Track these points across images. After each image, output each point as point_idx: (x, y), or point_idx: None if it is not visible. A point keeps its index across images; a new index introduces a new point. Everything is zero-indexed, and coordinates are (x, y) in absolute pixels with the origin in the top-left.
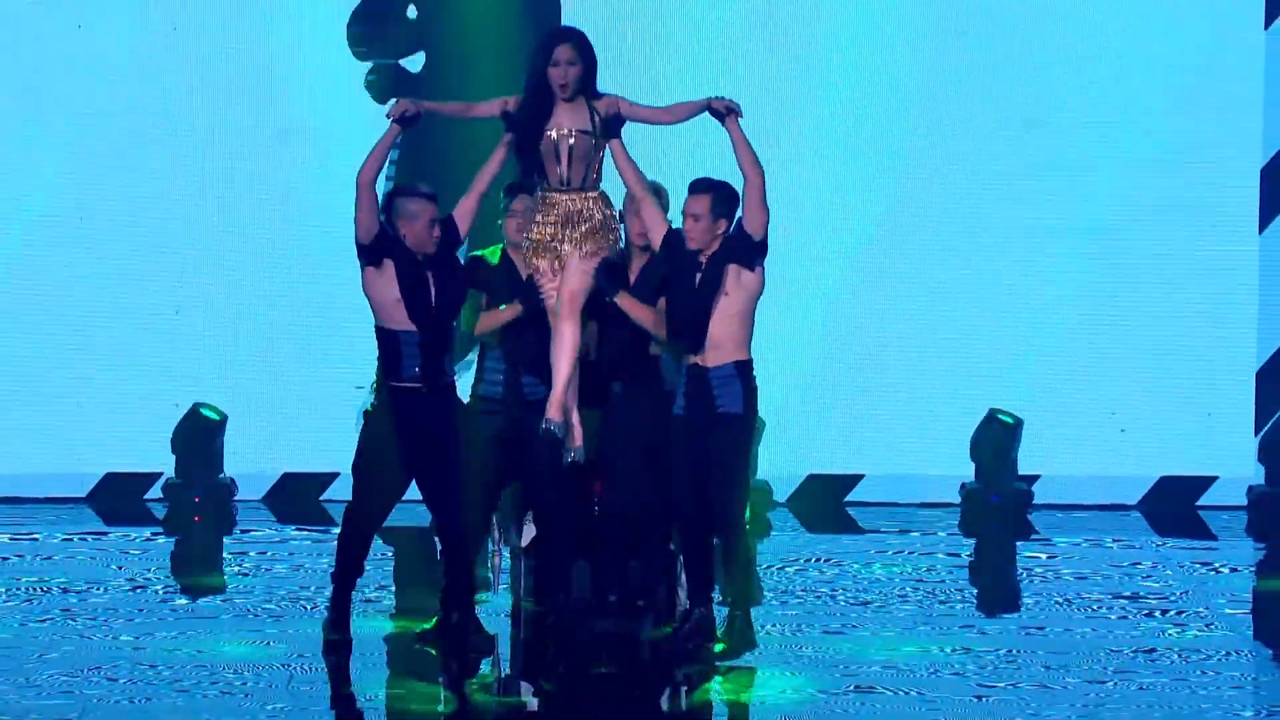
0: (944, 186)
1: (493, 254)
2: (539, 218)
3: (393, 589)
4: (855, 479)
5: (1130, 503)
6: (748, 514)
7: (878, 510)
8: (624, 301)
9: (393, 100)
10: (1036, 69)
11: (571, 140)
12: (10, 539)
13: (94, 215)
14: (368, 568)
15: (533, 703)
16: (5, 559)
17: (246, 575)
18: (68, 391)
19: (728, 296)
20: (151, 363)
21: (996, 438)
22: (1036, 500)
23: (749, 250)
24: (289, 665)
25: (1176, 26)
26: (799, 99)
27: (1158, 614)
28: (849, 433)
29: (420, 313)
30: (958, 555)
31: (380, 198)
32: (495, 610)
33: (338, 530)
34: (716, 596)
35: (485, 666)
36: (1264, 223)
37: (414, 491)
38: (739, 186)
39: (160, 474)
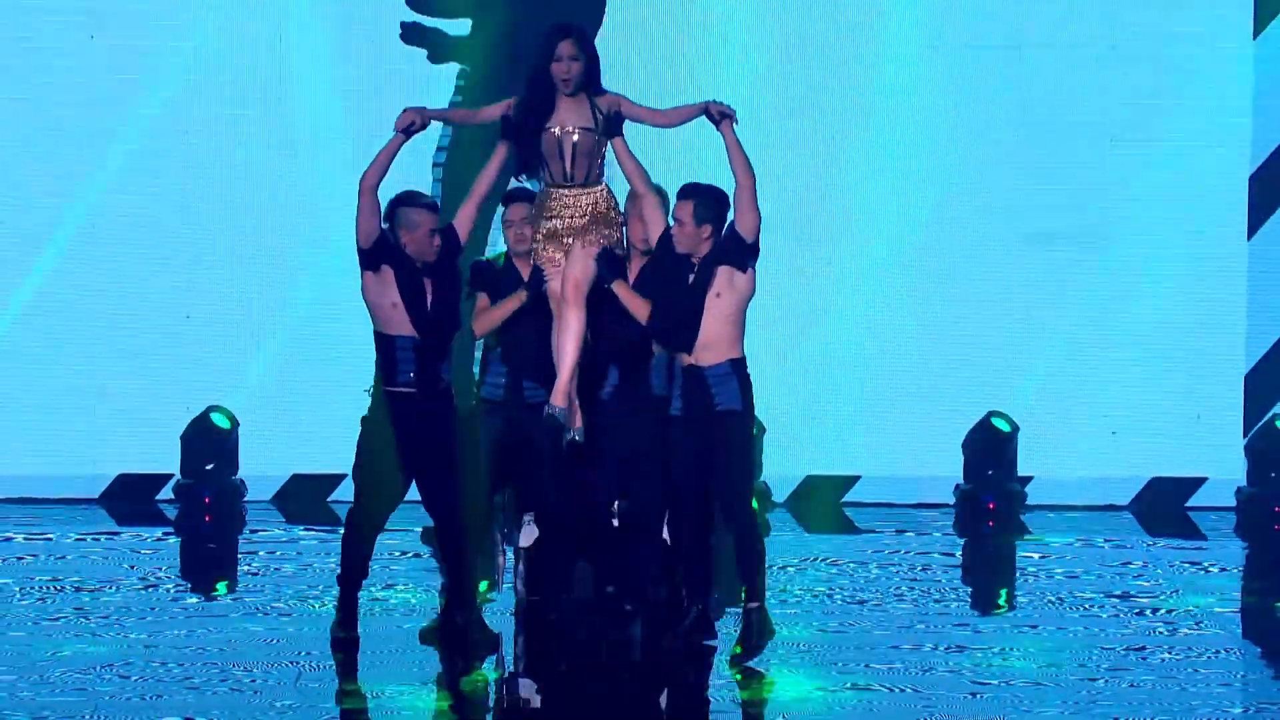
0: (940, 194)
1: (498, 259)
2: (544, 215)
3: (399, 587)
4: (852, 480)
5: (1121, 503)
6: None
7: (874, 511)
8: (621, 290)
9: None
10: (1030, 79)
11: (575, 137)
12: (25, 539)
13: (107, 224)
14: (374, 568)
15: (535, 700)
16: (20, 558)
17: (256, 575)
18: (81, 395)
19: (719, 298)
20: (163, 367)
21: (991, 442)
22: (1030, 501)
23: (741, 252)
24: (297, 663)
25: (1167, 37)
26: (798, 104)
27: (1148, 612)
28: (846, 436)
29: (418, 318)
30: (952, 555)
31: (383, 205)
32: (498, 609)
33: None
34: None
35: (489, 664)
36: (1252, 229)
37: (414, 493)
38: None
39: (171, 475)
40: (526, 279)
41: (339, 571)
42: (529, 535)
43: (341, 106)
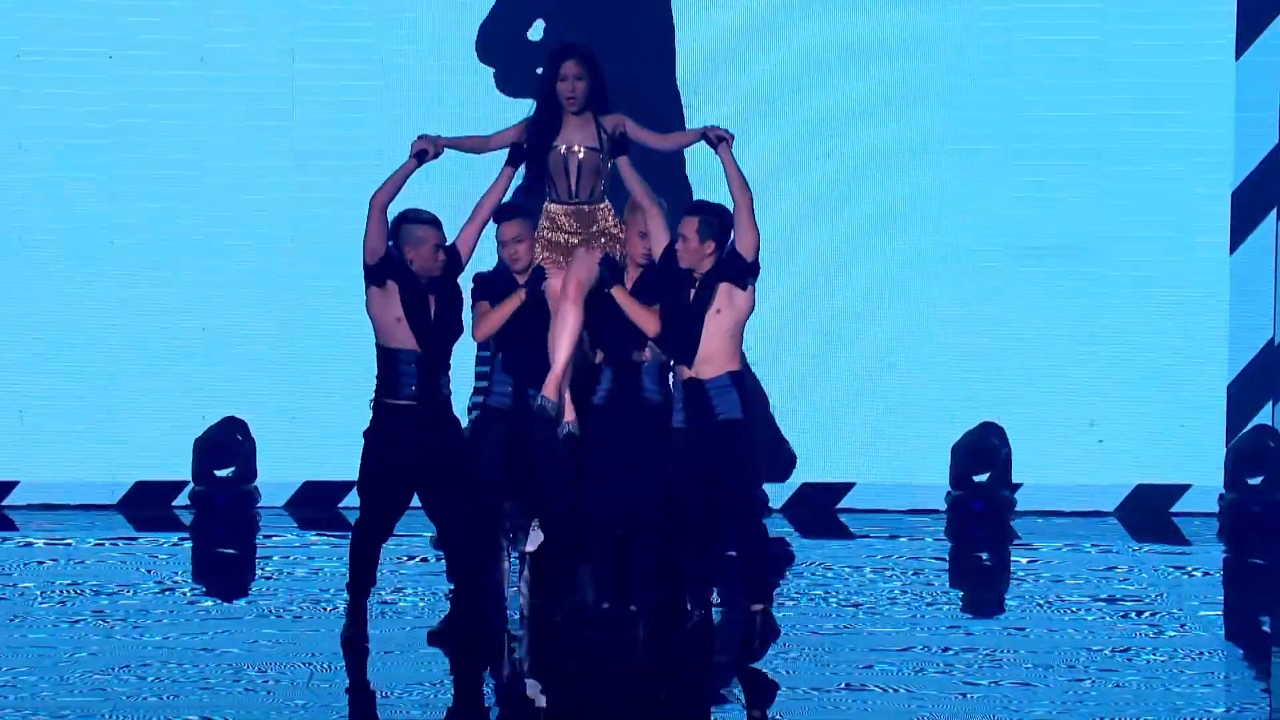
0: (932, 207)
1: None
2: (547, 229)
3: (407, 591)
4: (846, 487)
5: (1107, 509)
6: None
7: (867, 517)
8: (619, 294)
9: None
10: (1018, 97)
11: (580, 156)
12: (46, 543)
13: (125, 238)
14: (382, 573)
15: (541, 700)
16: (41, 562)
17: (269, 579)
18: (100, 404)
19: (719, 314)
20: (179, 377)
21: (980, 450)
22: (1019, 507)
23: (741, 271)
24: (309, 664)
25: (1152, 57)
26: (789, 119)
27: (1134, 615)
28: (840, 443)
29: (421, 332)
30: (943, 560)
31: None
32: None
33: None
34: (716, 599)
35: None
36: (1234, 244)
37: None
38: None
39: (187, 482)
40: (525, 281)
41: (348, 579)
42: (534, 540)
43: (353, 123)
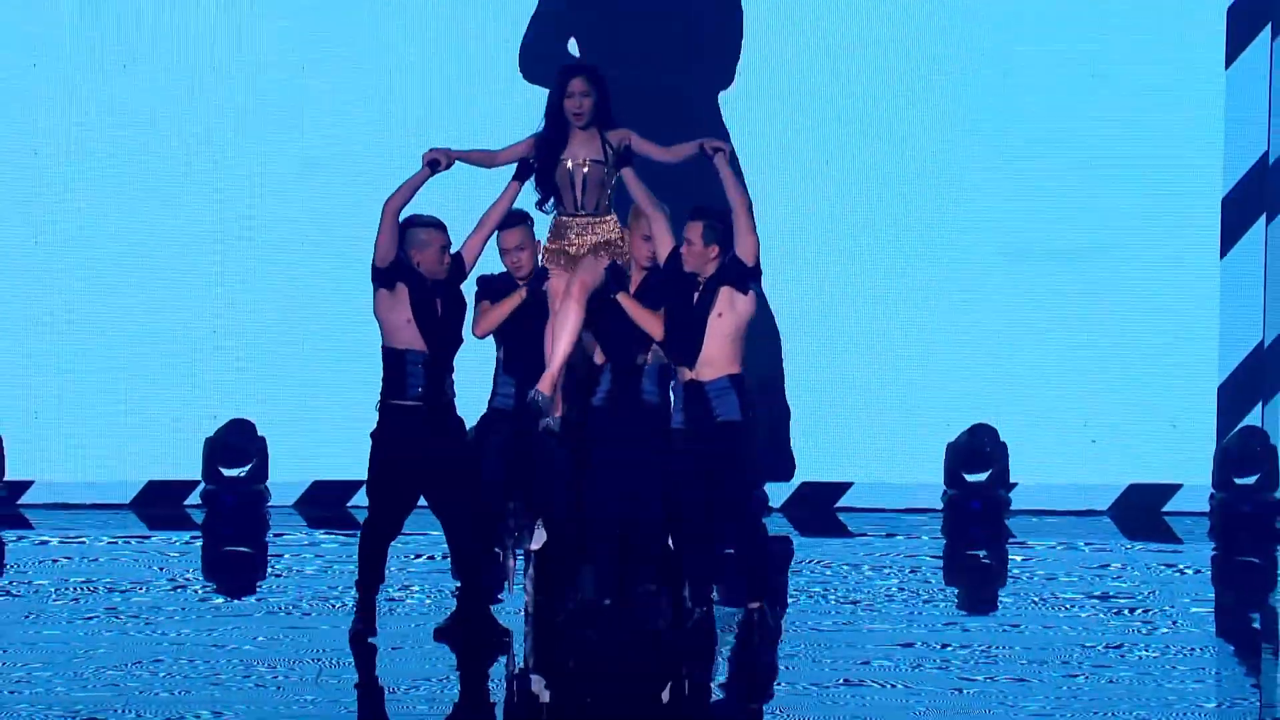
0: (929, 212)
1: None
2: (553, 240)
3: (414, 588)
4: (844, 486)
5: (1101, 508)
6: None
7: (866, 516)
8: (624, 299)
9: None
10: (1014, 108)
11: (585, 169)
12: (60, 542)
13: (137, 244)
14: (390, 570)
15: (544, 695)
16: (55, 560)
17: (279, 576)
18: (113, 405)
19: (720, 318)
20: (191, 379)
21: (976, 450)
22: (1014, 506)
23: (742, 275)
24: (319, 660)
25: (1145, 66)
26: (789, 121)
27: (1127, 612)
28: (838, 443)
29: (429, 334)
30: (940, 558)
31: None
32: (508, 609)
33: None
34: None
35: (500, 661)
36: (1225, 248)
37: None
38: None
39: (198, 482)
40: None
41: (357, 577)
42: (538, 539)
43: (361, 130)
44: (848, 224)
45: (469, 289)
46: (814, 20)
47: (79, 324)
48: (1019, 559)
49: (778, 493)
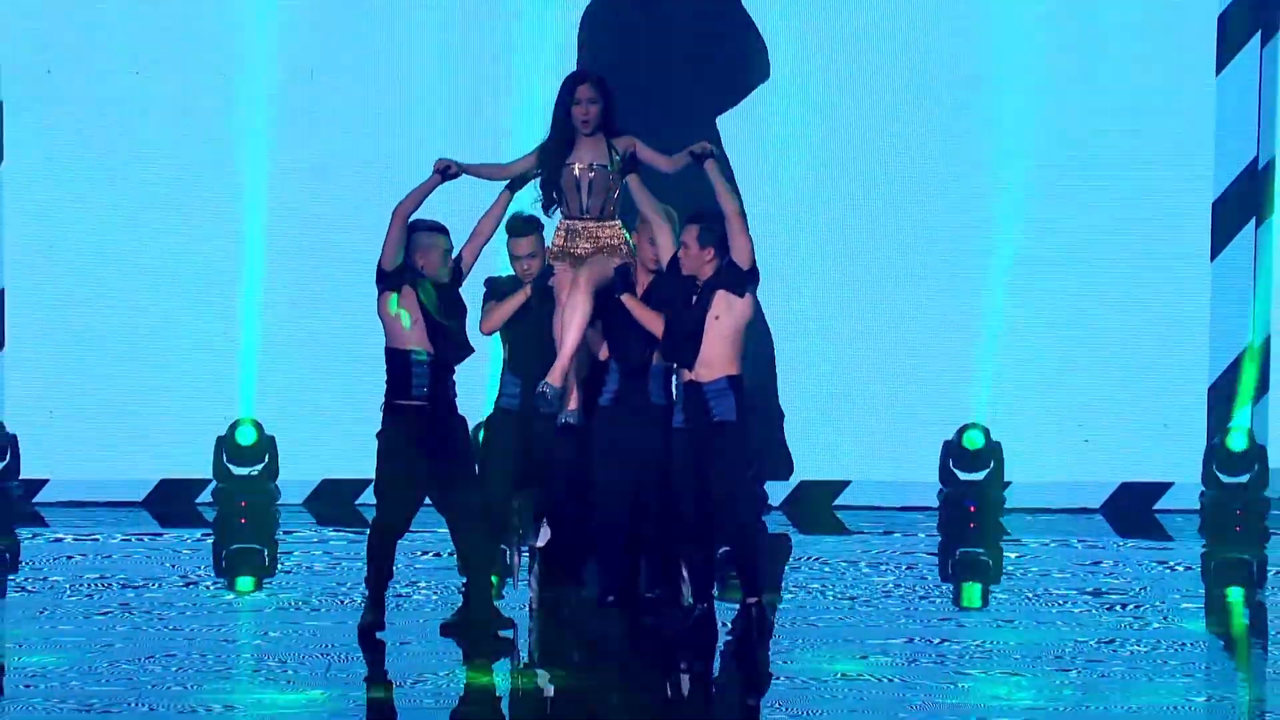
0: (926, 218)
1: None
2: (559, 243)
3: (422, 584)
4: (843, 485)
5: (1094, 506)
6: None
7: (863, 514)
8: (629, 301)
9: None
10: (1009, 111)
11: (592, 175)
12: (74, 539)
13: (150, 246)
14: (398, 567)
15: (548, 689)
16: (70, 557)
17: (289, 573)
18: (126, 405)
19: (718, 320)
20: (202, 379)
21: (969, 449)
22: (1008, 504)
23: (738, 278)
24: (327, 655)
25: (1137, 73)
26: (790, 126)
27: (1119, 608)
28: (837, 443)
29: (434, 335)
30: (936, 554)
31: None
32: (513, 604)
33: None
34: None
35: (505, 656)
36: (1215, 252)
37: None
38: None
39: (210, 480)
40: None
41: (366, 573)
42: (543, 536)
43: (369, 135)
44: (845, 227)
45: (470, 292)
46: (811, 28)
47: (92, 327)
48: (1013, 556)
49: (777, 491)
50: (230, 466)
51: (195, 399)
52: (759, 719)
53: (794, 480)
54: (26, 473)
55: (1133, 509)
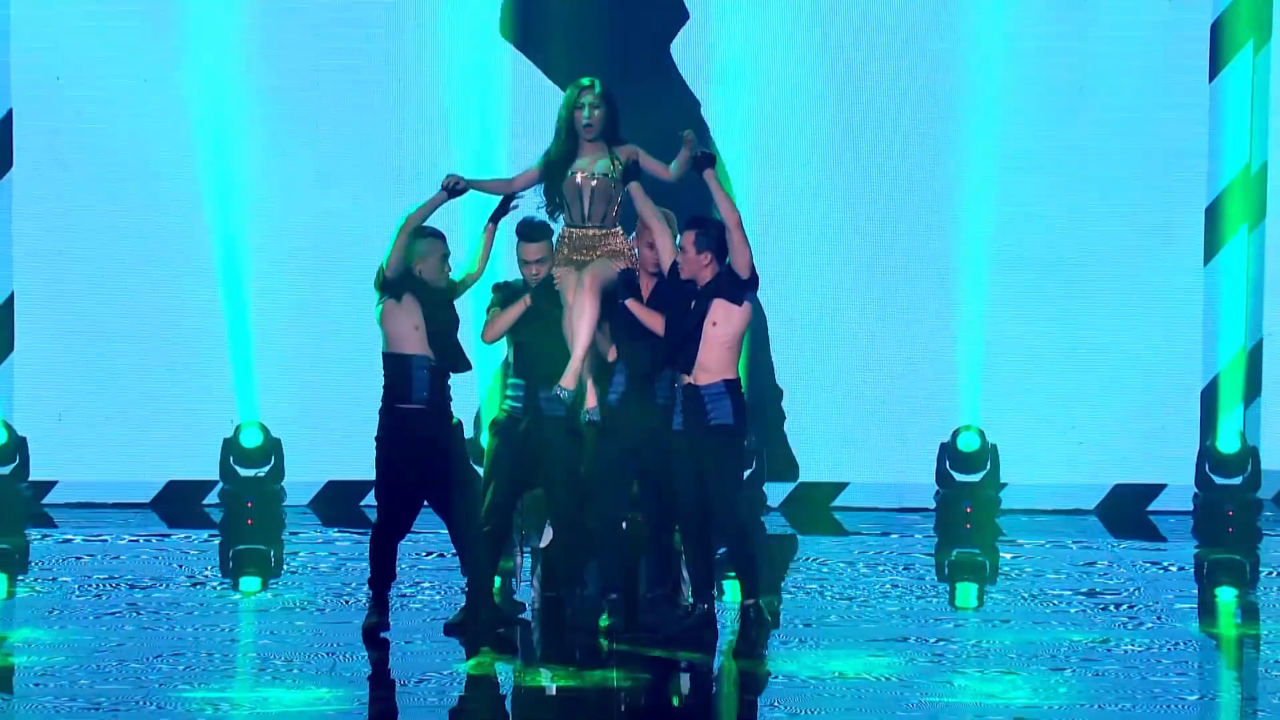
0: (923, 224)
1: (517, 281)
2: (564, 249)
3: (425, 585)
4: (841, 486)
5: (1088, 508)
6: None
7: (861, 515)
8: (633, 305)
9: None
10: (1004, 121)
11: (594, 183)
12: (83, 540)
13: (157, 251)
14: (402, 568)
15: (551, 687)
16: (79, 558)
17: (294, 573)
18: (134, 408)
19: (715, 327)
20: (209, 383)
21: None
22: (1004, 506)
23: (737, 287)
24: (333, 654)
25: (1131, 80)
26: (793, 135)
27: (1112, 608)
28: (835, 445)
29: (435, 340)
30: (932, 555)
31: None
32: (518, 603)
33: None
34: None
35: (508, 654)
36: (1208, 257)
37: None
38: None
39: (217, 482)
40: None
41: (369, 575)
42: (546, 537)
43: (374, 139)
44: (843, 234)
45: (474, 298)
46: (807, 36)
47: (101, 331)
48: (1009, 556)
49: (777, 492)
50: (236, 468)
51: (202, 402)
52: (757, 717)
53: (793, 482)
54: (36, 474)
55: (1126, 510)
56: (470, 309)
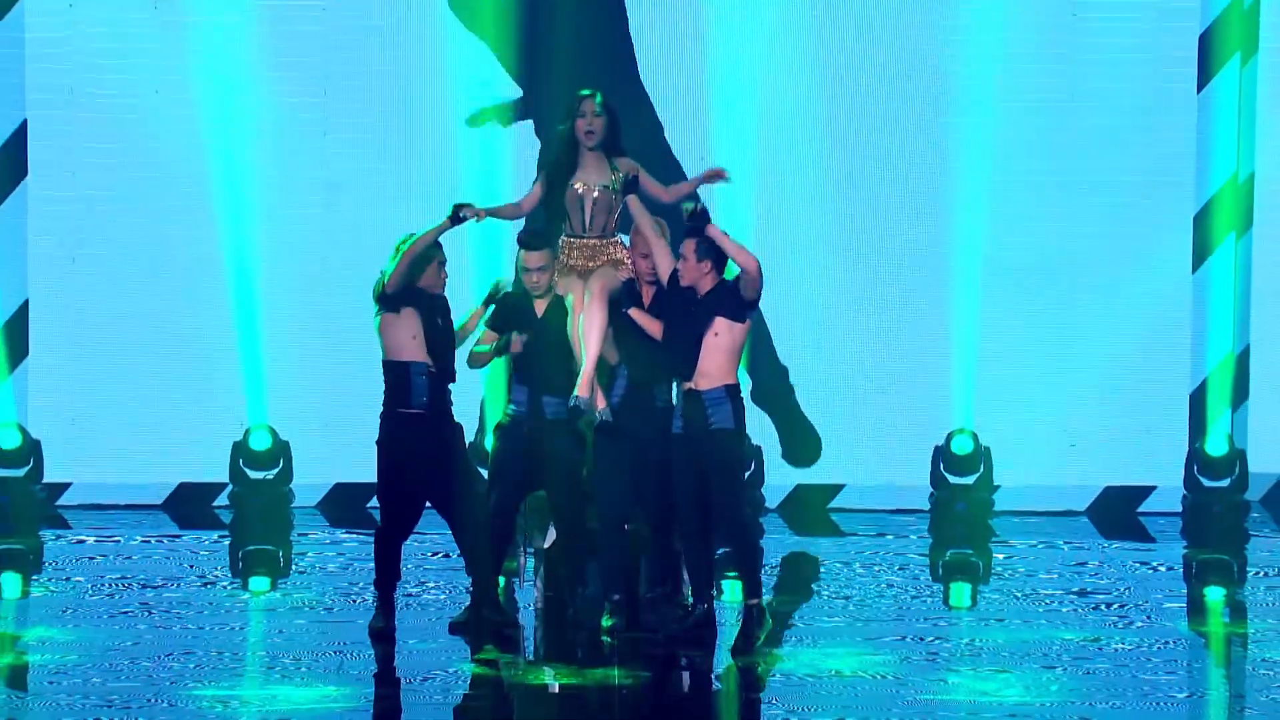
0: (919, 231)
1: (520, 295)
2: (565, 259)
3: (430, 584)
4: (837, 488)
5: (1079, 509)
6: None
7: (857, 516)
8: (636, 314)
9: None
10: (997, 131)
11: (595, 194)
12: (96, 540)
13: (169, 258)
14: (407, 568)
15: (554, 685)
16: (91, 558)
17: (303, 573)
18: (146, 411)
19: (715, 337)
20: (219, 386)
21: (959, 454)
22: (996, 507)
23: (739, 306)
24: (340, 652)
25: (1120, 91)
26: (792, 146)
27: (1103, 607)
28: (832, 447)
29: (434, 347)
30: (927, 556)
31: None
32: (521, 603)
33: None
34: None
35: (511, 653)
36: (1196, 263)
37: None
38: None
39: (227, 484)
40: (541, 315)
41: (375, 577)
42: (548, 538)
43: (380, 150)
44: (837, 240)
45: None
46: (803, 45)
47: (114, 336)
48: (1001, 557)
49: (774, 494)
50: (246, 471)
51: (212, 406)
52: (756, 716)
53: (791, 484)
54: (50, 476)
55: (1117, 512)
56: (469, 309)
